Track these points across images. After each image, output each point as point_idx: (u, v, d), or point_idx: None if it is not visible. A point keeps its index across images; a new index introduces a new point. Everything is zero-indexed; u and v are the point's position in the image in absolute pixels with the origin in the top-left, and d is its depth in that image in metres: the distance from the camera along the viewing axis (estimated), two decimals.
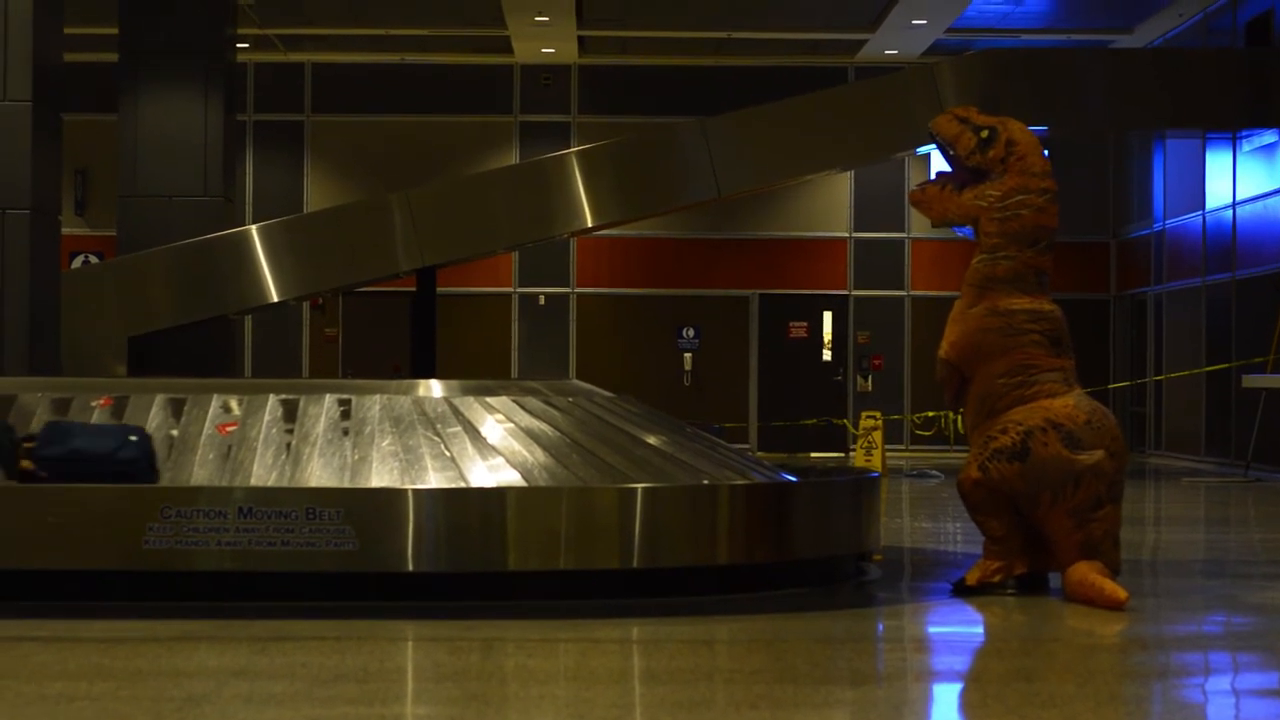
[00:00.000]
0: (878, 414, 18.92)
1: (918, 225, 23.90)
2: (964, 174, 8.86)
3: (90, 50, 20.97)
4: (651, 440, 8.93)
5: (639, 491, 8.16)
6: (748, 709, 5.74)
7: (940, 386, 8.94)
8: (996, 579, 8.59)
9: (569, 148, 20.08)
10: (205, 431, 8.48)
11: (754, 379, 24.29)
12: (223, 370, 15.59)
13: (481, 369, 23.17)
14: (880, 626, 8.09)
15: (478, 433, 8.42)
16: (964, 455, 9.02)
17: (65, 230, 13.46)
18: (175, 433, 8.52)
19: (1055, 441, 8.44)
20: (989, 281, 8.73)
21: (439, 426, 8.55)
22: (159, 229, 15.79)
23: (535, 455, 8.38)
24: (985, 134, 8.79)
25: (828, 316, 24.16)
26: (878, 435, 18.41)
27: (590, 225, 16.20)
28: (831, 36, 22.96)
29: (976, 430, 8.71)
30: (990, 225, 8.74)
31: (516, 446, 8.43)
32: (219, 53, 16.51)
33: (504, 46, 23.16)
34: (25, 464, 8.15)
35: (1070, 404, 8.57)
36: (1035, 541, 8.67)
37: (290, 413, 8.63)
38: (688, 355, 24.31)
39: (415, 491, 8.00)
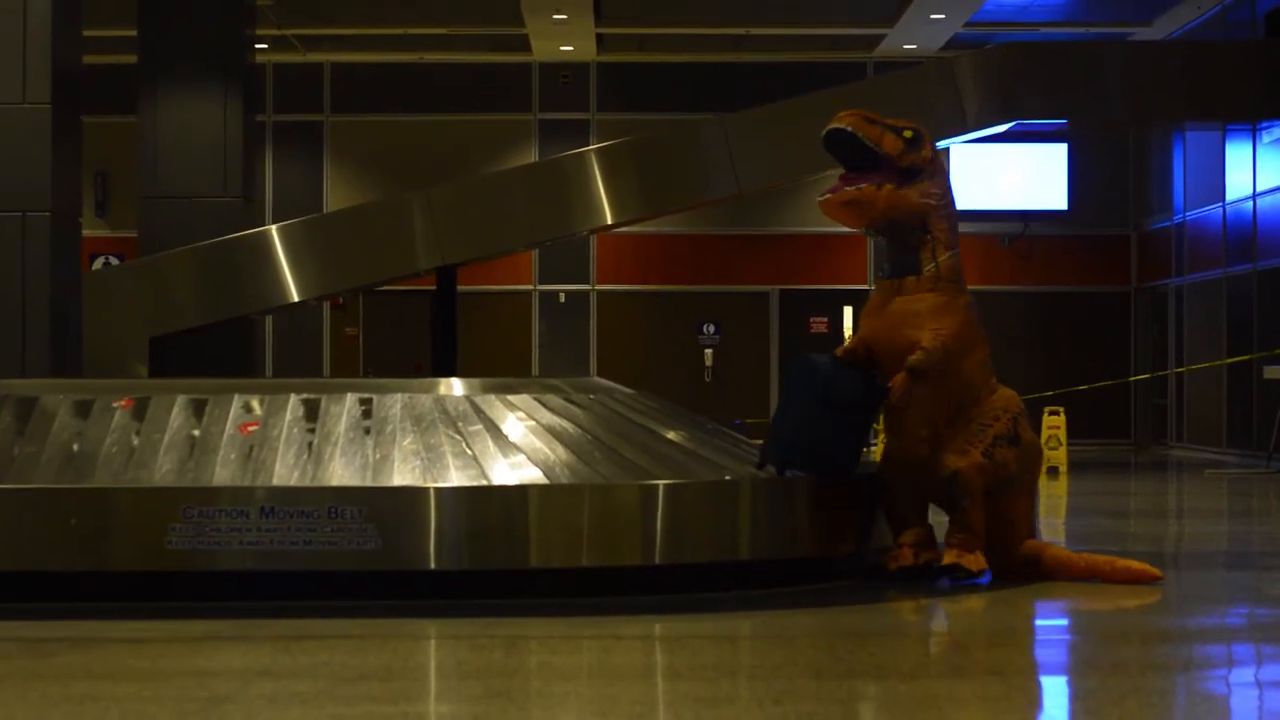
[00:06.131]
0: None
1: None
2: (893, 174, 8.70)
3: (109, 52, 21.02)
4: (673, 436, 8.92)
5: (661, 488, 8.16)
6: (771, 704, 5.74)
7: (920, 375, 8.70)
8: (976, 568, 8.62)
9: (588, 145, 20.07)
10: (227, 431, 8.49)
11: (775, 374, 24.27)
12: (244, 370, 15.62)
13: (502, 367, 23.17)
14: (903, 621, 8.09)
15: (499, 430, 8.42)
16: None
17: (86, 232, 13.50)
18: (197, 433, 8.53)
19: (1027, 426, 8.74)
20: (959, 276, 8.81)
21: (460, 425, 8.55)
22: (179, 230, 15.83)
23: (557, 453, 8.38)
24: (910, 134, 8.74)
25: (848, 311, 24.09)
26: None
27: (610, 223, 16.20)
28: (850, 31, 22.94)
29: (956, 420, 8.69)
30: (941, 222, 8.75)
31: (538, 444, 8.43)
32: (238, 54, 16.55)
33: (522, 44, 23.17)
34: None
35: (1013, 393, 8.85)
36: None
37: (312, 412, 8.63)
38: (708, 351, 24.29)
39: (437, 490, 8.01)
